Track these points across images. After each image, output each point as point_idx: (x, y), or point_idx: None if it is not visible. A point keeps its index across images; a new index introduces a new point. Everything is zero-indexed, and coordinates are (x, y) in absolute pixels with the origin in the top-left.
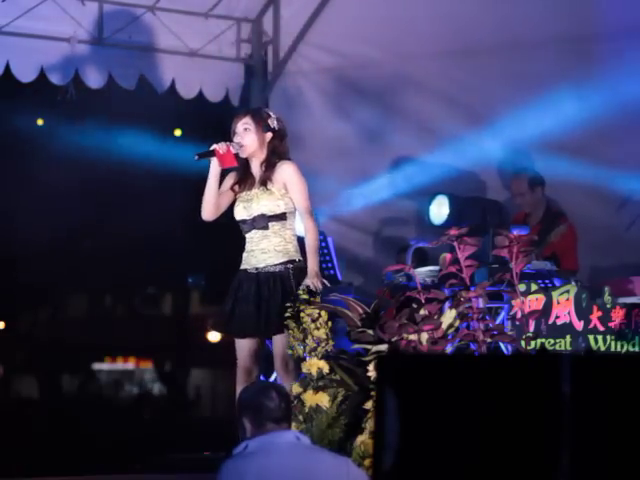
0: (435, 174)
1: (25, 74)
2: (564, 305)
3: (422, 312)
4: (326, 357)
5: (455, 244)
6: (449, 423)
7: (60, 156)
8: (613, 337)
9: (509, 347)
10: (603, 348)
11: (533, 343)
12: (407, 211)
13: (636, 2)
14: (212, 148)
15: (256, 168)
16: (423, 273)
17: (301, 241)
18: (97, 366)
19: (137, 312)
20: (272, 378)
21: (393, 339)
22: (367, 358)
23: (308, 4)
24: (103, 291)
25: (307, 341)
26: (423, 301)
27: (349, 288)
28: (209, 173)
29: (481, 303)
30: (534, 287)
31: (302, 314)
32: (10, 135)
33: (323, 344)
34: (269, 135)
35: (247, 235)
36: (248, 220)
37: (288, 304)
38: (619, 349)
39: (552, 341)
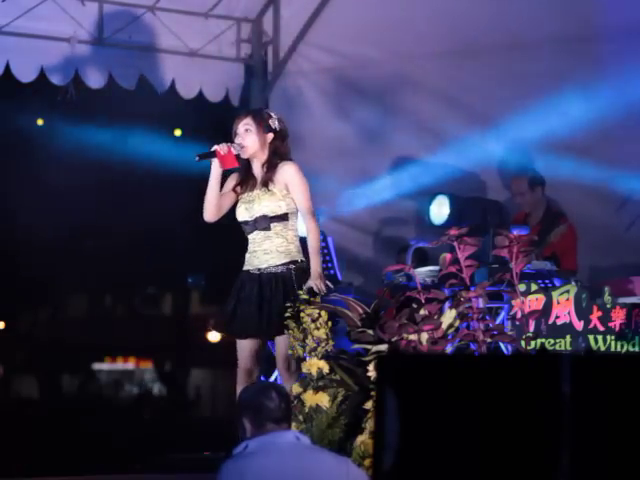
0: (435, 174)
1: (25, 74)
2: (564, 305)
3: (422, 312)
4: (326, 357)
5: (455, 244)
6: (449, 423)
7: (60, 156)
8: (613, 337)
9: (509, 347)
10: (603, 348)
11: (533, 343)
12: (407, 211)
13: (636, 2)
14: (213, 149)
15: (257, 169)
16: (423, 273)
17: (303, 241)
18: (97, 366)
19: (137, 312)
20: (272, 378)
21: (393, 339)
22: (367, 358)
23: (308, 4)
24: (103, 291)
25: (307, 341)
26: (423, 301)
27: (349, 288)
28: (210, 174)
29: (481, 303)
30: (534, 287)
31: (302, 314)
32: (10, 135)
33: (323, 344)
34: (270, 136)
35: (249, 236)
36: (250, 221)
37: (288, 304)
38: (619, 349)
39: (552, 341)
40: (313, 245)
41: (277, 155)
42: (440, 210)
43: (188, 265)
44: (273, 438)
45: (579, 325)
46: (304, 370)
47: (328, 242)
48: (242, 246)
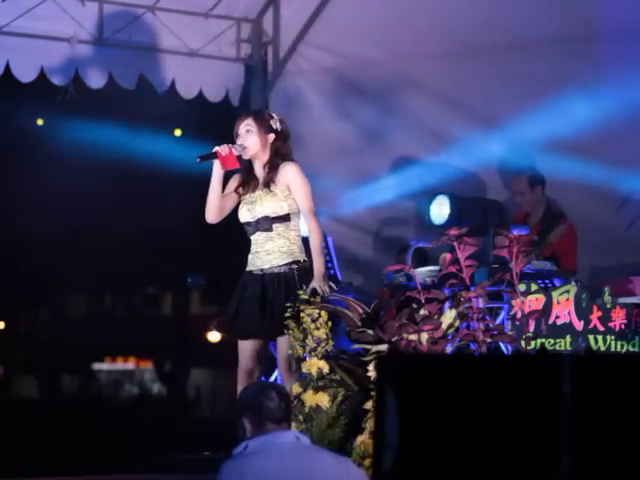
0: (435, 174)
1: (25, 74)
2: (564, 305)
3: (422, 312)
4: (326, 357)
5: (455, 244)
6: (449, 423)
7: (60, 156)
8: (613, 337)
9: (509, 347)
10: (603, 348)
11: (533, 343)
12: (407, 211)
13: (636, 2)
14: (214, 150)
15: (259, 170)
16: (423, 273)
17: (306, 241)
18: (97, 366)
19: (137, 312)
20: (272, 378)
21: (393, 339)
22: (367, 358)
23: (308, 4)
24: (103, 291)
25: (307, 341)
26: (423, 301)
27: (349, 288)
28: (212, 176)
29: (481, 303)
30: (534, 287)
31: (302, 314)
32: (10, 135)
33: (323, 344)
34: (272, 136)
35: (252, 237)
36: (252, 222)
37: (288, 304)
38: (619, 349)
39: (552, 341)
40: (315, 245)
41: (279, 156)
42: (440, 210)
43: (188, 265)
44: (273, 438)
45: (579, 325)
46: (304, 370)
47: (328, 242)
48: (242, 246)
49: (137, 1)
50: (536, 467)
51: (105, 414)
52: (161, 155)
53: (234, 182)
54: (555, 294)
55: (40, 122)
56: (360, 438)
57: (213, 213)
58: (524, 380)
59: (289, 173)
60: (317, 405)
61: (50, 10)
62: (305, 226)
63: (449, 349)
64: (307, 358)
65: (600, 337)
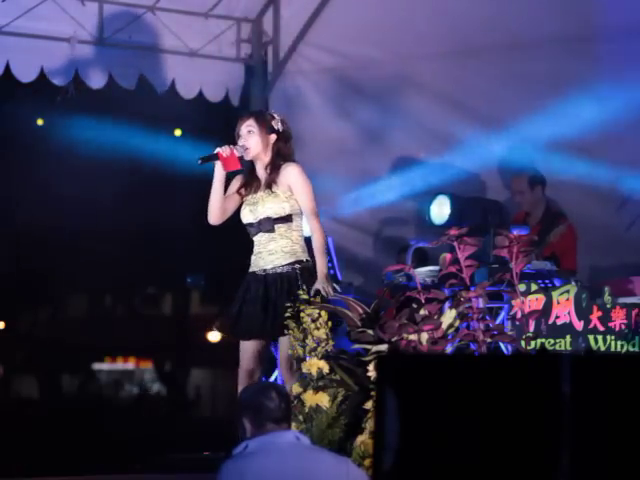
0: (435, 174)
1: (25, 74)
2: (564, 305)
3: (422, 312)
4: (326, 357)
5: (455, 244)
6: (449, 423)
7: (60, 156)
8: (613, 337)
9: (509, 347)
10: (603, 348)
11: (533, 343)
12: (407, 211)
13: (636, 2)
14: (215, 152)
15: (261, 171)
16: (423, 273)
17: (308, 241)
18: (97, 366)
19: (137, 312)
20: (272, 378)
21: (393, 339)
22: (367, 358)
23: (308, 4)
24: (103, 291)
25: (307, 341)
26: (423, 301)
27: (349, 288)
28: (213, 177)
29: (481, 303)
30: (534, 287)
31: (302, 314)
32: (10, 135)
33: (323, 344)
34: (273, 137)
35: (254, 238)
36: (254, 223)
37: (288, 304)
38: (619, 349)
39: (552, 341)
40: (318, 246)
41: (280, 156)
42: (441, 210)
43: (188, 265)
44: (273, 438)
45: (579, 325)
46: (304, 370)
47: (328, 242)
48: (242, 247)
49: (137, 1)
50: (536, 467)
51: (105, 414)
52: (161, 155)
53: (236, 183)
54: (555, 294)
55: (40, 122)
56: (360, 438)
57: (215, 215)
58: (524, 380)
59: (291, 174)
60: (317, 405)
61: (50, 10)
62: (307, 226)
63: (449, 349)
64: (307, 358)
65: (600, 337)
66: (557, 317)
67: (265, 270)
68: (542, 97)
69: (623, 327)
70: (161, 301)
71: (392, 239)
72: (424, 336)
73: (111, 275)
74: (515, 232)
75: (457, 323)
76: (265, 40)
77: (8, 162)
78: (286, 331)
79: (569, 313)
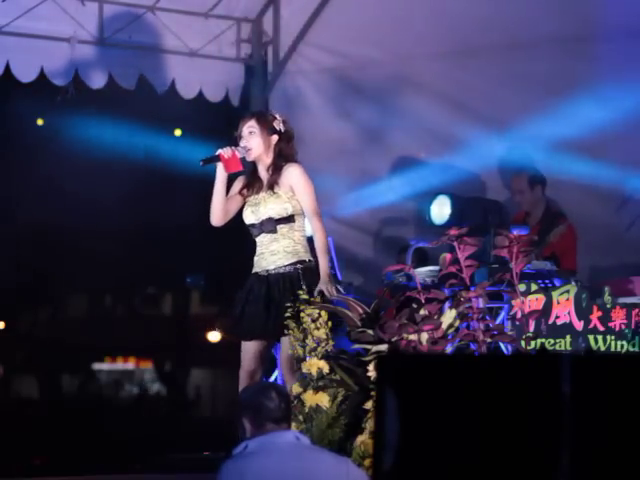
0: (435, 174)
1: (25, 74)
2: (564, 305)
3: (422, 312)
4: (326, 357)
5: (455, 244)
6: (449, 423)
7: (60, 157)
8: (613, 337)
9: (509, 347)
10: (603, 348)
11: (533, 343)
12: (407, 211)
13: (636, 2)
14: (217, 153)
15: (263, 171)
16: (423, 273)
17: (311, 241)
18: (97, 366)
19: (137, 312)
20: (272, 378)
21: (393, 339)
22: (367, 358)
23: (308, 4)
24: (103, 291)
25: (307, 341)
26: (423, 301)
27: (349, 288)
28: (215, 179)
29: (481, 303)
30: (534, 287)
31: (302, 314)
32: (10, 135)
33: (323, 344)
34: (275, 138)
35: (257, 239)
36: (257, 224)
37: (289, 304)
38: (619, 349)
39: (552, 341)
40: (320, 246)
41: (282, 157)
42: (441, 210)
43: (188, 265)
44: (273, 438)
45: (579, 325)
46: (304, 370)
47: (328, 242)
48: (242, 247)
49: (137, 1)
50: (536, 467)
51: (105, 414)
52: (161, 155)
53: (238, 184)
54: (555, 294)
55: (40, 122)
56: (360, 438)
57: (218, 216)
58: (524, 380)
59: (292, 174)
60: (317, 405)
61: (50, 10)
62: (310, 226)
63: (449, 349)
64: (307, 358)
65: (600, 337)
66: (557, 317)
67: (268, 270)
68: (542, 97)
69: (623, 327)
70: (161, 301)
71: (392, 239)
72: (424, 336)
73: (111, 275)
74: (515, 232)
75: (457, 323)
76: (265, 40)
77: (8, 162)
78: (286, 331)
79: (569, 313)
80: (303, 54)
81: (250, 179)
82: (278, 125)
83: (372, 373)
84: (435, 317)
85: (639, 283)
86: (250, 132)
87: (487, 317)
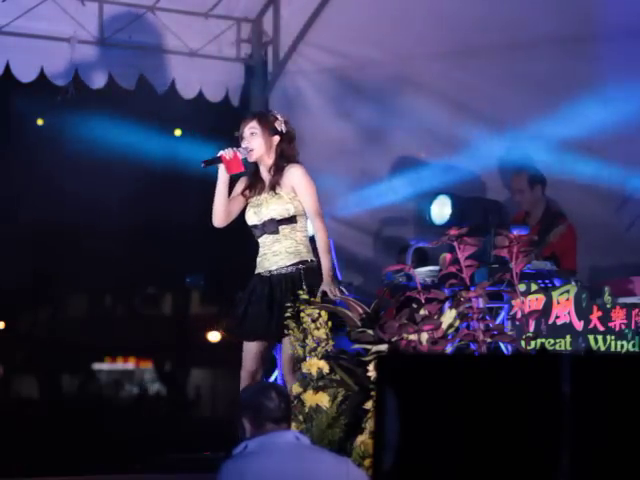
0: (435, 174)
1: (25, 74)
2: (564, 305)
3: (422, 312)
4: (326, 357)
5: (455, 244)
6: (449, 423)
7: (60, 157)
8: (613, 337)
9: (509, 347)
10: (603, 348)
11: (533, 343)
12: (407, 211)
13: (636, 2)
14: (218, 155)
15: (265, 172)
16: (423, 273)
17: (313, 241)
18: (97, 366)
19: (137, 312)
20: (272, 378)
21: (393, 339)
22: (367, 358)
23: (308, 4)
24: (103, 291)
25: (307, 341)
26: (423, 301)
27: (349, 288)
28: (217, 180)
29: (481, 303)
30: (534, 287)
31: (302, 314)
32: (10, 135)
33: (323, 344)
34: (276, 138)
35: (259, 240)
36: (259, 225)
37: (289, 304)
38: (619, 349)
39: (552, 341)
40: (322, 245)
41: (284, 158)
42: (442, 210)
43: (188, 265)
44: (273, 438)
45: (579, 325)
46: (304, 370)
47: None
48: (243, 247)
49: (137, 1)
50: (536, 467)
51: (105, 414)
52: (161, 155)
53: (240, 185)
54: (555, 294)
55: (40, 122)
56: (360, 438)
57: (220, 217)
58: (524, 380)
59: (294, 175)
60: (317, 405)
61: (50, 10)
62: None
63: (449, 349)
64: (307, 358)
65: (600, 337)
66: (557, 317)
67: (270, 271)
68: (542, 97)
69: (623, 327)
70: (161, 301)
71: (392, 239)
72: (424, 336)
73: (111, 275)
74: (515, 232)
75: (457, 323)
76: (265, 40)
77: (8, 162)
78: (286, 331)
79: (569, 313)
80: (303, 54)
81: (252, 180)
82: (280, 126)
83: (372, 373)
84: (435, 317)
85: (639, 283)
86: (252, 133)
87: (487, 317)
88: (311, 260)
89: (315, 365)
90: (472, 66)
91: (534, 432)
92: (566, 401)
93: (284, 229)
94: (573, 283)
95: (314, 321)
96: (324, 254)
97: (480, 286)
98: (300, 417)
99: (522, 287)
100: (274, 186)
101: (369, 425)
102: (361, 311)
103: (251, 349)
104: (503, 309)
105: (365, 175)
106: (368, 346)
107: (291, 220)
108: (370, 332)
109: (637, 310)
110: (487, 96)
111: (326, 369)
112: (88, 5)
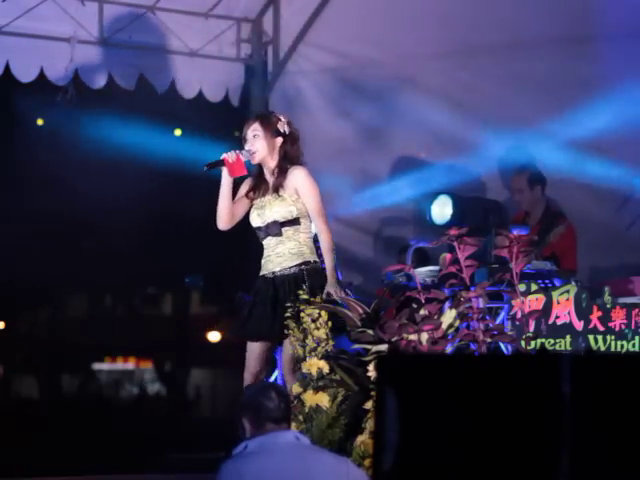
0: (435, 174)
1: (25, 74)
2: (564, 305)
3: (422, 312)
4: (326, 357)
5: (455, 244)
6: (449, 423)
7: (59, 156)
8: (613, 337)
9: (509, 347)
10: (603, 348)
11: (533, 343)
12: (407, 211)
13: (636, 2)
14: (221, 157)
15: (269, 174)
16: (423, 273)
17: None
18: (97, 366)
19: (137, 312)
20: (272, 378)
21: (393, 339)
22: (367, 358)
23: (308, 4)
24: (103, 291)
25: (307, 341)
26: (423, 301)
27: (349, 288)
28: (221, 183)
29: (481, 303)
30: (534, 287)
31: (302, 314)
32: (10, 135)
33: (323, 344)
34: (279, 140)
35: (263, 242)
36: (262, 227)
37: (288, 304)
38: (619, 349)
39: (552, 341)
40: (325, 246)
41: (287, 159)
42: (442, 210)
43: (188, 265)
44: (273, 438)
45: (579, 325)
46: (304, 370)
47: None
48: (243, 248)
49: (137, 1)
50: (536, 467)
51: (105, 414)
52: (161, 155)
53: (245, 187)
54: (555, 294)
55: (40, 122)
56: (360, 438)
57: (224, 220)
58: (524, 380)
59: (297, 177)
60: (317, 405)
61: (50, 10)
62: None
63: (449, 349)
64: (307, 358)
65: (600, 337)
66: (557, 317)
67: (274, 273)
68: (542, 97)
69: (623, 327)
70: (161, 301)
71: (392, 239)
72: (424, 336)
73: (111, 275)
74: (515, 232)
75: (457, 323)
76: (265, 40)
77: (8, 162)
78: (286, 331)
79: (569, 313)
80: (303, 54)
81: (256, 182)
82: (282, 127)
83: (372, 373)
84: (435, 317)
85: (639, 283)
86: (254, 135)
87: (487, 317)
88: (314, 261)
89: (315, 365)
90: (472, 66)
91: (534, 432)
92: (566, 401)
93: (287, 231)
94: (573, 283)
95: (314, 321)
96: (328, 255)
97: (480, 286)
98: (300, 417)
99: (522, 287)
100: (277, 188)
101: (369, 425)
102: (361, 311)
103: (255, 350)
104: (503, 309)
105: (365, 175)
106: (368, 346)
107: (294, 222)
108: (370, 332)
109: (637, 310)
110: (487, 96)
111: (326, 369)
112: (88, 5)
